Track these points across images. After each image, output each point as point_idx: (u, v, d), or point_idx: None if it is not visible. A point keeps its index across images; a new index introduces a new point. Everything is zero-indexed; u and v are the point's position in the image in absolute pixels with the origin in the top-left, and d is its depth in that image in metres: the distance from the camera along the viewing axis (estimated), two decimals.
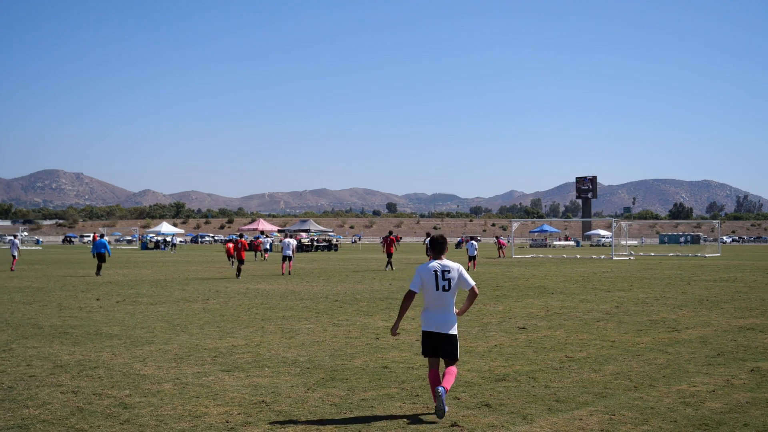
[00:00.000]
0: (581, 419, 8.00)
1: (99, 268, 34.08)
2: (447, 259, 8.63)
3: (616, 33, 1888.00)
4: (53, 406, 8.57)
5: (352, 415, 8.15)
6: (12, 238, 46.33)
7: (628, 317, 17.17)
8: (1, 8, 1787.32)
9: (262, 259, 55.39)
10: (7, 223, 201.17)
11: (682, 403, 8.70)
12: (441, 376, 8.34)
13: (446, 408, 8.06)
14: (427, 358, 8.58)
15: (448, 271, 8.35)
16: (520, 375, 10.35)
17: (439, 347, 8.32)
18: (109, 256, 35.32)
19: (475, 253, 41.45)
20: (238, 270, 32.83)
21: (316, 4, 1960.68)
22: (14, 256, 40.50)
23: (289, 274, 34.97)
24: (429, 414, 8.21)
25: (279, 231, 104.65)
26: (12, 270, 38.57)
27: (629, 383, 9.78)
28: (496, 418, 8.06)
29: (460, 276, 8.37)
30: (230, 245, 42.40)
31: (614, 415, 8.16)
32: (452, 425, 7.75)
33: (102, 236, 37.47)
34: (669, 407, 8.49)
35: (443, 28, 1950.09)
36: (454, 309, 8.45)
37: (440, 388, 7.94)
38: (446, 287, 8.30)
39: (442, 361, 8.55)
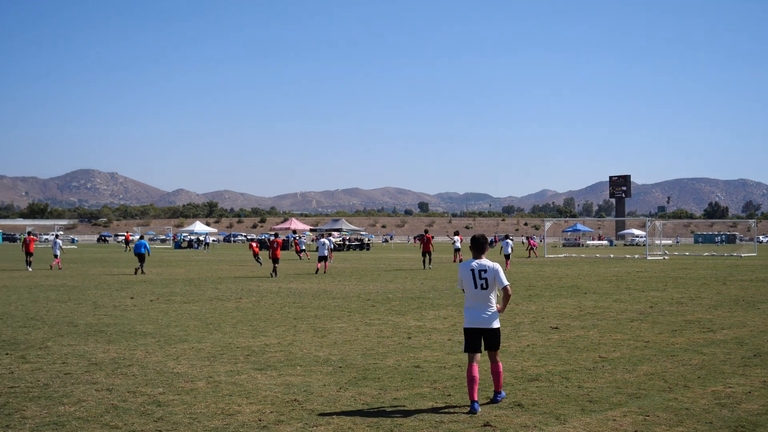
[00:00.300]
0: (615, 420, 7.94)
1: (140, 266, 35.22)
2: (486, 258, 8.96)
3: (650, 32, 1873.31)
4: (88, 404, 8.65)
5: (384, 415, 8.15)
6: (54, 237, 47.65)
7: (662, 317, 17.02)
8: (41, 9, 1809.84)
9: (306, 259, 54.51)
10: (43, 222, 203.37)
11: (718, 404, 8.61)
12: (492, 374, 8.86)
13: (502, 396, 8.85)
14: (467, 353, 8.82)
15: (485, 271, 8.73)
16: (553, 375, 10.29)
17: (483, 341, 8.78)
18: (148, 255, 36.33)
19: (510, 251, 42.05)
20: (274, 269, 33.04)
21: (346, 3, 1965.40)
22: (56, 255, 41.13)
23: (324, 273, 35.13)
24: (461, 413, 8.20)
25: (311, 230, 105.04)
26: (51, 268, 39.32)
27: (664, 384, 9.69)
28: (529, 418, 8.02)
29: (497, 275, 8.73)
30: (255, 244, 44.34)
31: (648, 416, 8.10)
32: (484, 425, 7.73)
33: (141, 237, 38.83)
34: (704, 408, 8.41)
35: (476, 26, 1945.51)
36: (496, 305, 8.83)
37: (498, 395, 8.80)
38: (484, 285, 8.71)
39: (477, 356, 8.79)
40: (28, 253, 39.64)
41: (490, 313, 8.75)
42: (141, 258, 35.69)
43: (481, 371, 9.20)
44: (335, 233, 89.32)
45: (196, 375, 10.34)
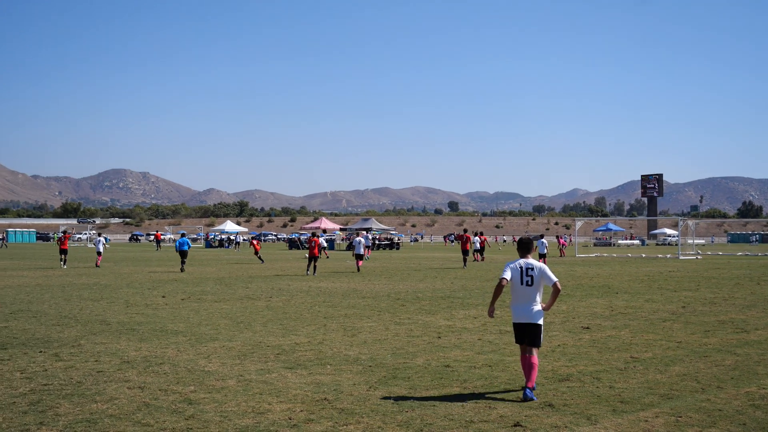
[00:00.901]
0: (647, 421, 7.88)
1: (183, 264, 37.13)
2: (531, 258, 9.62)
3: (682, 29, 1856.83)
4: (120, 401, 8.72)
5: (414, 414, 8.14)
6: (97, 235, 50.16)
7: (695, 317, 16.87)
8: (77, 10, 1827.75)
9: (325, 257, 55.71)
10: (74, 221, 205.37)
11: (752, 405, 8.52)
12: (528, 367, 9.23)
13: (535, 398, 8.91)
14: (518, 344, 9.53)
15: (531, 269, 9.34)
16: (584, 375, 10.23)
17: (526, 335, 9.35)
18: (189, 248, 38.39)
19: (545, 250, 43.55)
20: (314, 267, 33.43)
21: (381, 3, 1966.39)
22: (99, 253, 43.03)
23: (357, 271, 35.84)
24: (491, 413, 8.17)
25: (341, 229, 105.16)
26: (97, 266, 40.68)
27: (696, 385, 9.61)
28: (560, 418, 7.98)
29: (543, 273, 9.32)
30: (256, 242, 47.97)
31: (681, 417, 8.03)
32: (515, 425, 7.70)
33: (183, 235, 41.51)
34: (737, 410, 8.32)
35: (508, 26, 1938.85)
36: (540, 303, 9.41)
37: (528, 390, 8.95)
38: (529, 282, 9.29)
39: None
40: (63, 251, 41.25)
41: (534, 309, 9.31)
42: (184, 255, 37.48)
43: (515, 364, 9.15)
44: (363, 232, 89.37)
45: (227, 373, 10.39)
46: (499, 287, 9.39)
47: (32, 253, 68.37)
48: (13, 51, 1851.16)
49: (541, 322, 9.34)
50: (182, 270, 36.09)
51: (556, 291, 9.32)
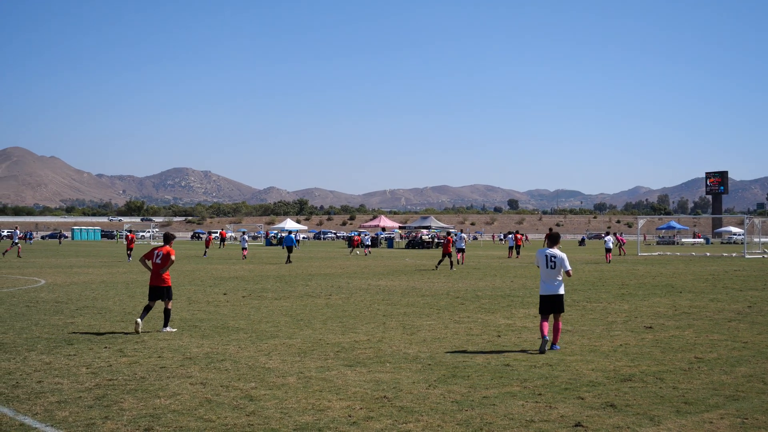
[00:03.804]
0: (711, 422, 7.74)
1: (288, 257, 43.86)
2: (557, 248, 12.52)
3: (748, 23, 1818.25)
4: (183, 397, 8.84)
5: (473, 413, 8.11)
6: (242, 234, 61.33)
7: (761, 317, 16.52)
8: (142, 11, 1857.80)
9: (363, 254, 57.48)
10: (137, 219, 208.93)
11: None
12: (551, 329, 12.34)
13: (558, 347, 12.23)
14: (540, 314, 12.26)
15: (554, 257, 12.29)
16: (647, 375, 10.09)
17: (552, 304, 12.18)
18: (296, 247, 43.79)
19: (611, 246, 47.64)
20: (450, 263, 36.82)
21: (430, 3, 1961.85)
22: (244, 248, 50.97)
23: (461, 263, 39.77)
24: (552, 413, 8.10)
25: (400, 227, 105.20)
26: (244, 257, 48.84)
27: (763, 386, 9.41)
28: (622, 419, 7.88)
29: (563, 261, 12.26)
30: (211, 237, 56.19)
31: (747, 418, 7.87)
32: (576, 425, 7.62)
33: (290, 232, 48.89)
34: None
35: (570, 24, 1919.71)
36: (561, 278, 12.34)
37: (547, 337, 11.94)
38: (552, 266, 12.26)
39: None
40: (129, 248, 46.89)
41: (557, 284, 12.25)
42: (290, 250, 44.37)
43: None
44: (424, 230, 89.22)
45: (287, 370, 10.46)
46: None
47: (97, 250, 69.68)
48: (78, 52, 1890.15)
49: (562, 292, 12.26)
50: (289, 262, 42.54)
51: (567, 276, 12.36)
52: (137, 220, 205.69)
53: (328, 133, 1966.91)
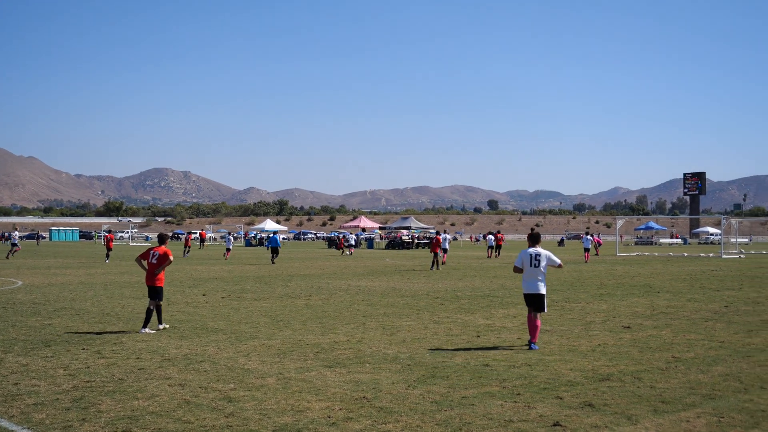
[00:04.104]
0: (688, 421, 7.80)
1: (273, 258, 43.20)
2: (541, 247, 12.93)
3: (722, 28, 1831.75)
4: (161, 398, 8.80)
5: (452, 413, 8.13)
6: (228, 234, 60.46)
7: (738, 317, 16.65)
8: (120, 11, 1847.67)
9: (348, 254, 58.28)
10: (115, 220, 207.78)
11: None
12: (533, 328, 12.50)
13: (537, 348, 12.35)
14: (528, 307, 12.73)
15: (538, 255, 12.67)
16: (625, 375, 10.14)
17: (534, 302, 12.54)
18: (279, 247, 44.52)
19: (590, 245, 49.05)
20: (437, 263, 37.38)
21: (415, 3, 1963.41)
22: (228, 249, 51.61)
23: (444, 264, 39.81)
24: (530, 412, 8.13)
25: (380, 228, 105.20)
26: (226, 258, 48.78)
27: (739, 385, 9.48)
28: (600, 418, 7.92)
29: (548, 258, 12.68)
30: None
31: (723, 417, 7.93)
32: (554, 425, 7.66)
33: (276, 233, 48.70)
34: None
35: (561, 24, 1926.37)
36: (544, 280, 12.70)
37: (534, 346, 12.32)
38: (536, 265, 12.63)
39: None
40: (109, 249, 46.99)
41: (539, 283, 12.60)
42: (275, 251, 43.60)
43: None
44: (404, 231, 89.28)
45: (267, 371, 10.44)
46: (517, 271, 12.85)
47: (75, 251, 69.25)
48: (57, 52, 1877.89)
49: (544, 292, 12.56)
50: (273, 262, 42.25)
51: (559, 268, 12.84)
52: (114, 220, 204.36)
53: (308, 134, 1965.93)
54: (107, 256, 47.13)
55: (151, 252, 15.03)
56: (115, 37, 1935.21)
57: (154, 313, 14.82)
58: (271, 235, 46.58)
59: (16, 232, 55.68)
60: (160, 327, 14.67)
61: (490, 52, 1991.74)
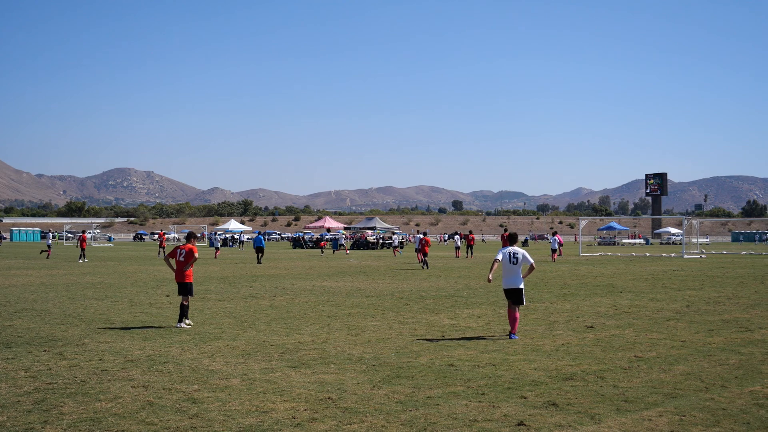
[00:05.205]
0: (650, 420, 7.88)
1: (259, 258, 44.03)
2: (517, 246, 14.07)
3: (684, 28, 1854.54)
4: (124, 400, 8.73)
5: (417, 413, 8.15)
6: (214, 233, 60.43)
7: (699, 316, 16.85)
8: (82, 9, 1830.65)
9: (345, 252, 60.38)
10: (80, 220, 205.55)
11: (756, 404, 8.51)
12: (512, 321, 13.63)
13: (517, 337, 13.50)
14: (507, 300, 13.86)
15: (516, 254, 13.76)
16: (588, 374, 10.23)
17: (513, 296, 13.67)
18: (264, 247, 45.43)
19: (556, 246, 49.14)
20: (425, 262, 38.79)
21: (376, 2, 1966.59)
22: (217, 248, 54.97)
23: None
24: (495, 412, 8.17)
25: (345, 228, 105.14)
26: (216, 258, 49.90)
27: (700, 384, 9.60)
28: (563, 417, 7.98)
29: (524, 256, 13.73)
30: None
31: (684, 416, 8.02)
32: (518, 424, 7.70)
33: (260, 233, 48.75)
34: (741, 409, 8.31)
35: (511, 26, 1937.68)
36: (521, 276, 13.83)
37: (514, 336, 13.48)
38: (514, 262, 13.72)
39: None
40: (82, 249, 47.90)
41: (517, 279, 13.74)
42: (260, 251, 44.48)
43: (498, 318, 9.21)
44: (368, 231, 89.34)
45: (231, 372, 10.40)
46: (494, 263, 13.81)
47: (36, 252, 68.41)
48: (16, 50, 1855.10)
49: (521, 286, 13.75)
50: (259, 262, 42.78)
51: (531, 269, 13.88)
52: (78, 220, 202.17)
53: (272, 134, 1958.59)
54: (82, 256, 48.02)
55: (179, 250, 15.61)
56: (77, 37, 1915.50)
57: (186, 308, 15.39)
58: (255, 235, 47.16)
59: (51, 233, 57.26)
60: (187, 321, 15.22)
61: (454, 53, 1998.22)
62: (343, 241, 65.11)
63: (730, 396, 8.92)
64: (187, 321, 15.27)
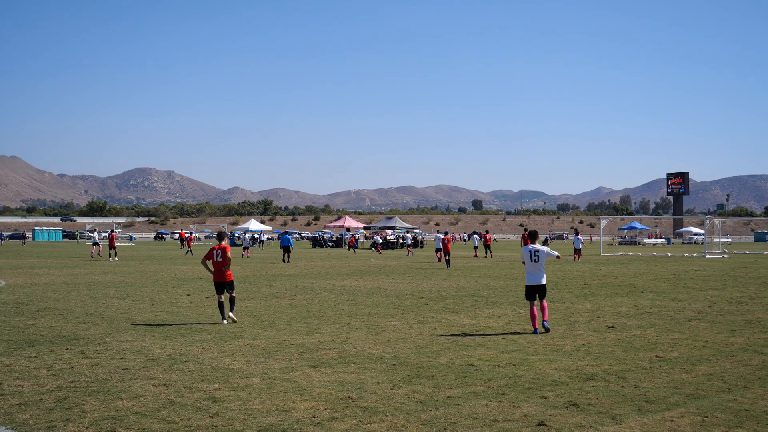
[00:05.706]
0: (672, 420, 7.83)
1: (286, 257, 44.60)
2: (538, 243, 14.85)
3: (707, 28, 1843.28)
4: (145, 399, 8.77)
5: (437, 413, 8.14)
6: (243, 233, 60.97)
7: (721, 317, 16.73)
8: (104, 10, 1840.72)
9: (352, 252, 60.87)
10: (102, 219, 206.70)
11: None
12: (540, 311, 14.35)
13: (550, 328, 14.34)
14: (528, 301, 14.55)
15: (538, 251, 14.50)
16: (609, 375, 10.18)
17: (536, 292, 14.42)
18: (292, 247, 46.21)
19: (581, 246, 48.86)
20: (447, 261, 38.92)
21: (396, 2, 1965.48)
22: (246, 248, 54.45)
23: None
24: (515, 412, 8.15)
25: (365, 228, 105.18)
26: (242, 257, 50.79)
27: (722, 384, 9.53)
28: (584, 418, 7.94)
29: (547, 253, 14.58)
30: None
31: (707, 416, 7.97)
32: (539, 424, 7.67)
33: (286, 232, 48.74)
34: (764, 410, 8.25)
35: (534, 25, 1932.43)
36: (543, 270, 14.57)
37: (545, 323, 14.22)
38: (536, 260, 14.48)
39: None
40: (111, 248, 48.54)
41: (540, 275, 14.46)
42: (287, 250, 45.01)
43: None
44: (388, 231, 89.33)
45: (251, 371, 10.43)
46: (523, 262, 14.74)
47: (59, 251, 68.88)
48: (38, 50, 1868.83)
49: (544, 282, 14.47)
50: (287, 261, 43.49)
51: (557, 258, 15.29)
52: (100, 220, 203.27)
53: (293, 133, 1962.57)
54: (113, 254, 48.82)
55: (215, 251, 15.88)
56: (98, 36, 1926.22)
57: (225, 303, 15.93)
58: (282, 235, 47.62)
59: (96, 231, 58.40)
60: (231, 315, 15.75)
61: (475, 52, 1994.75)
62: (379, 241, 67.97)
63: (753, 397, 8.85)
64: (231, 315, 15.67)
